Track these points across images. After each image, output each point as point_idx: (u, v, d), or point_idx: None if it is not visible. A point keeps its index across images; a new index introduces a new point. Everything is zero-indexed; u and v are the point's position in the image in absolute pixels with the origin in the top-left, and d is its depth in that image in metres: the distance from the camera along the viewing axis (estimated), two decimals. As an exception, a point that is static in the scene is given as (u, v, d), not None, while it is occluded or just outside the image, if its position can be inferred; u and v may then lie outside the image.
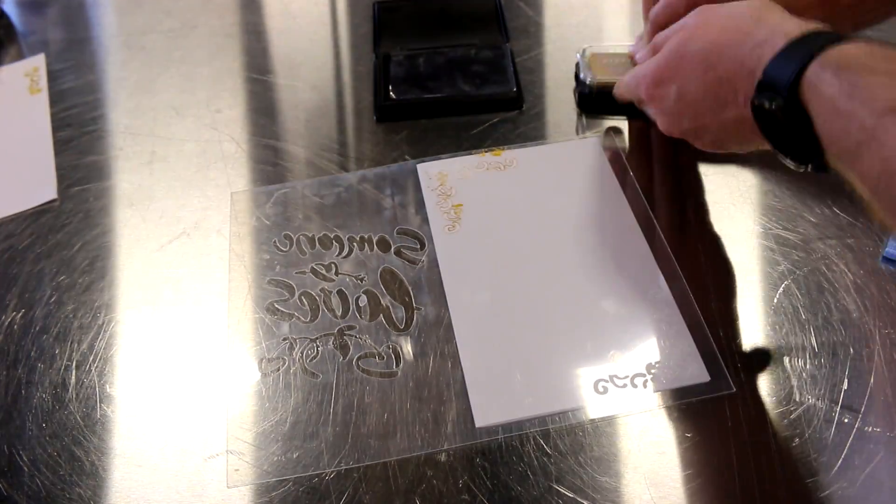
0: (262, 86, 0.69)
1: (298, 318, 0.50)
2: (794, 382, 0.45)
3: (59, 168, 0.63)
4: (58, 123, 0.67)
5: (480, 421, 0.44)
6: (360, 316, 0.50)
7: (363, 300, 0.51)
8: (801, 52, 0.40)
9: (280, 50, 0.74)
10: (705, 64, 0.46)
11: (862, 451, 0.42)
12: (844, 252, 0.51)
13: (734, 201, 0.55)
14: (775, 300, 0.49)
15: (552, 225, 0.54)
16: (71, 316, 0.52)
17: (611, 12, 0.75)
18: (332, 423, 0.45)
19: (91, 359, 0.50)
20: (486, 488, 0.42)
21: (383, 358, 0.48)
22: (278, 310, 0.51)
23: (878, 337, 0.47)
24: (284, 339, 0.49)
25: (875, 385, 0.44)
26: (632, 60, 0.59)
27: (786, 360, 0.46)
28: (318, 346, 0.49)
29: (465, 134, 0.63)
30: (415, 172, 0.59)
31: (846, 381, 0.45)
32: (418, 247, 0.54)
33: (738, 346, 0.47)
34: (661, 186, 0.57)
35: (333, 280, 0.53)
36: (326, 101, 0.67)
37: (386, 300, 0.51)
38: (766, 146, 0.44)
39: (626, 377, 0.45)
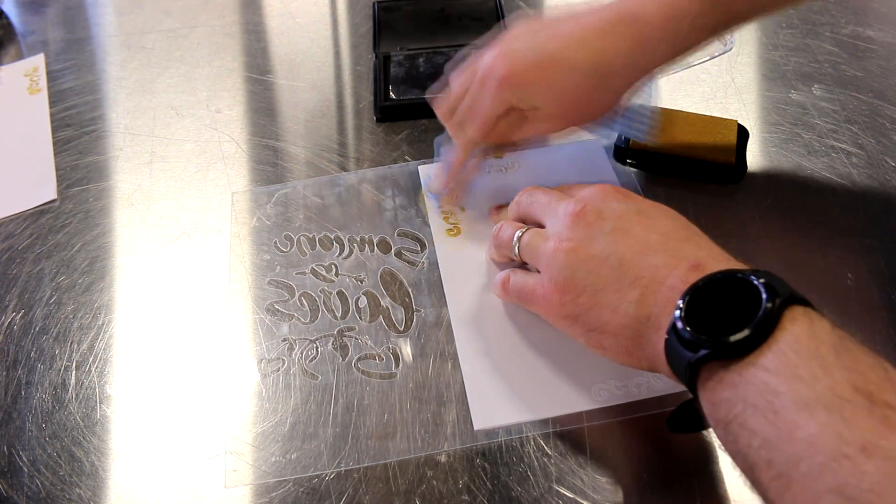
0: (262, 86, 0.69)
1: (298, 319, 0.50)
2: (794, 383, 0.45)
3: (58, 168, 0.63)
4: (57, 123, 0.67)
5: (479, 424, 0.44)
6: (360, 317, 0.50)
7: (363, 301, 0.51)
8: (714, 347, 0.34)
9: (280, 50, 0.74)
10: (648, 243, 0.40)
11: (862, 453, 0.41)
12: (845, 252, 0.51)
13: (735, 204, 0.55)
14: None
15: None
16: (71, 316, 0.52)
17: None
18: (331, 423, 0.45)
19: (91, 359, 0.50)
20: (487, 489, 0.42)
21: (382, 359, 0.48)
22: (278, 310, 0.51)
23: (878, 337, 0.47)
24: (284, 340, 0.49)
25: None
26: None
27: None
28: (317, 347, 0.49)
29: (465, 134, 0.63)
30: (416, 173, 0.59)
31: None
32: (419, 248, 0.54)
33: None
34: (662, 188, 0.57)
35: (333, 281, 0.53)
36: (326, 101, 0.67)
37: (386, 301, 0.51)
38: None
39: (625, 382, 0.45)
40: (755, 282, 0.34)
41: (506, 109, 0.49)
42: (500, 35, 0.50)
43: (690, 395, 0.37)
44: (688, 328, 0.35)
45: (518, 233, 0.47)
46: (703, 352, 0.34)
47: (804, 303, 0.34)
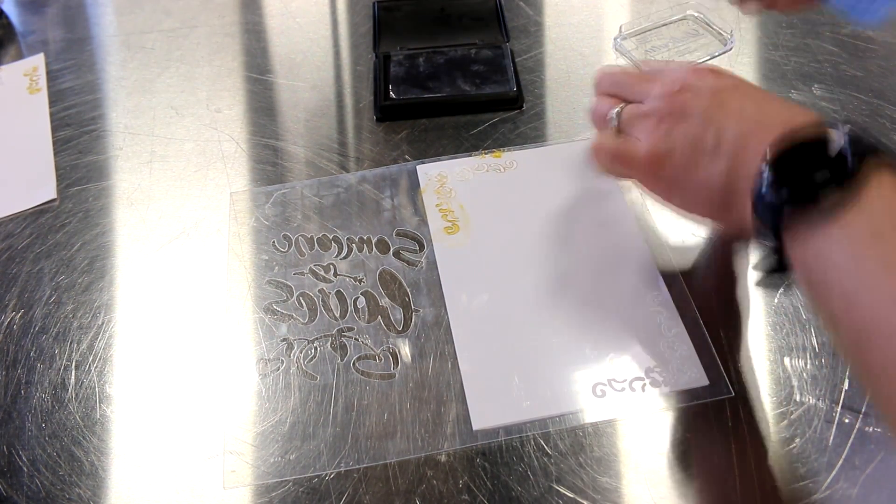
0: (262, 85, 0.69)
1: (297, 320, 0.50)
2: (795, 383, 0.45)
3: (58, 168, 0.63)
4: (57, 123, 0.67)
5: (478, 424, 0.44)
6: (359, 317, 0.50)
7: (361, 302, 0.51)
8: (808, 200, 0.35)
9: (280, 50, 0.74)
10: (742, 108, 0.42)
11: (862, 452, 0.42)
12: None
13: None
14: (776, 300, 0.49)
15: (551, 227, 0.54)
16: (70, 316, 0.52)
17: (611, 12, 0.75)
18: (331, 423, 0.45)
19: (91, 359, 0.50)
20: (487, 489, 0.42)
21: (381, 360, 0.48)
22: (276, 311, 0.51)
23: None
24: (283, 340, 0.49)
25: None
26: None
27: (786, 360, 0.46)
28: (316, 348, 0.49)
29: (465, 134, 0.63)
30: (414, 173, 0.59)
31: (847, 381, 0.45)
32: (417, 248, 0.54)
33: (739, 346, 0.47)
34: None
35: (332, 281, 0.53)
36: (326, 100, 0.67)
37: (384, 301, 0.51)
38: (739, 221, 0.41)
39: (625, 381, 0.45)
40: (839, 132, 0.36)
41: None
42: None
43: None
44: (774, 177, 0.37)
45: (617, 108, 0.48)
46: (786, 209, 0.36)
47: (890, 156, 0.35)
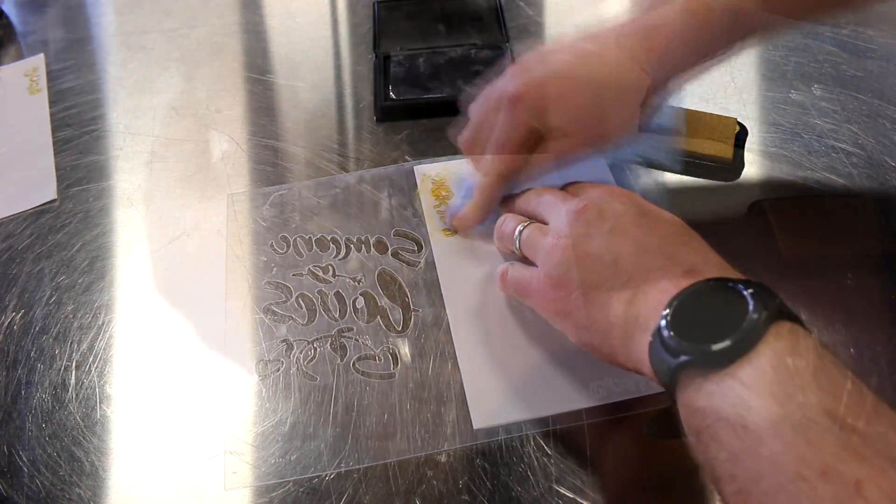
0: (262, 86, 0.69)
1: (296, 321, 0.50)
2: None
3: (58, 168, 0.63)
4: (57, 123, 0.67)
5: (478, 423, 0.44)
6: (358, 318, 0.50)
7: (360, 302, 0.51)
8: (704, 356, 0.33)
9: (280, 50, 0.74)
10: (643, 243, 0.40)
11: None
12: (845, 252, 0.51)
13: (733, 202, 0.55)
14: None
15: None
16: (71, 316, 0.52)
17: (611, 12, 0.75)
18: (331, 424, 0.45)
19: (91, 359, 0.50)
20: (487, 489, 0.42)
21: (381, 360, 0.48)
22: (276, 312, 0.51)
23: (878, 337, 0.47)
24: (283, 341, 0.49)
25: (878, 385, 0.44)
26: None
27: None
28: (316, 348, 0.49)
29: (465, 134, 0.63)
30: (412, 173, 0.59)
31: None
32: (416, 248, 0.54)
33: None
34: (660, 186, 0.57)
35: (331, 282, 0.53)
36: (326, 101, 0.67)
37: (384, 302, 0.51)
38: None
39: (624, 379, 0.45)
40: (744, 292, 0.34)
41: (526, 132, 0.49)
42: (515, 61, 0.50)
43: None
44: (672, 333, 0.35)
45: (520, 227, 0.48)
46: (683, 358, 0.34)
47: (793, 318, 0.34)
